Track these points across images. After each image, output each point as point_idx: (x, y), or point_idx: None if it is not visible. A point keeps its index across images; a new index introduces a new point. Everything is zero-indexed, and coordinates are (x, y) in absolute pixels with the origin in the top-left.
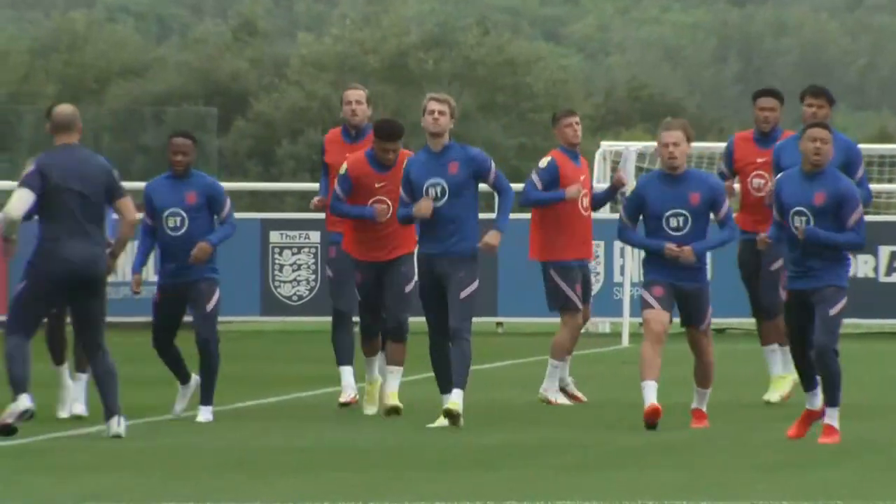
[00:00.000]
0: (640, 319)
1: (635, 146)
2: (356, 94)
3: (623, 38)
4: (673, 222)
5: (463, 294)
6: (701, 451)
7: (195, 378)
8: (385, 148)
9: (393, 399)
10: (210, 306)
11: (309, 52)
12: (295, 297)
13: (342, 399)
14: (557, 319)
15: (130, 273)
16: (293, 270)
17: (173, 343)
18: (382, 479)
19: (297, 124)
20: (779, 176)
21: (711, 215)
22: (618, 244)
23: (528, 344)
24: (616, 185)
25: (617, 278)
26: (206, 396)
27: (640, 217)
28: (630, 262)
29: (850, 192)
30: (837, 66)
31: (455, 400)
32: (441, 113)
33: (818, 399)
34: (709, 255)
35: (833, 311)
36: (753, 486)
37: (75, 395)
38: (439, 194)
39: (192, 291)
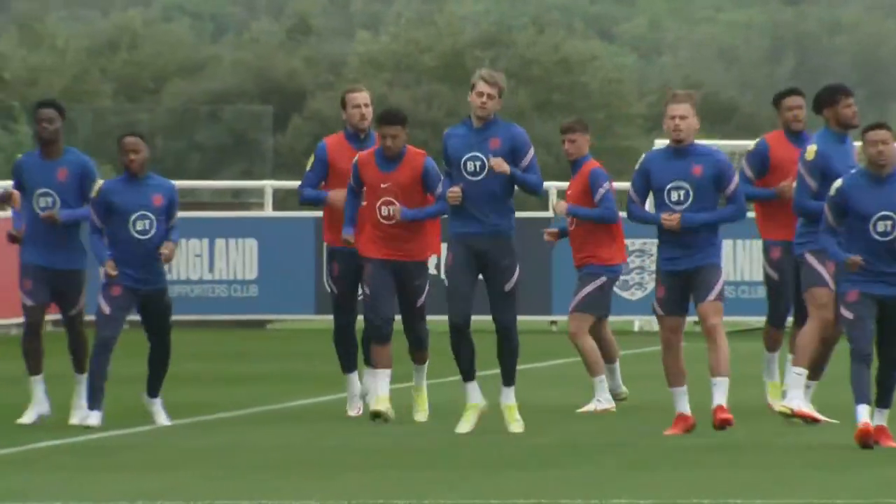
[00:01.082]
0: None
1: None
2: (363, 96)
3: (677, 37)
4: (674, 195)
5: (508, 286)
6: (752, 450)
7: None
8: (384, 133)
9: (382, 403)
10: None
11: (365, 51)
12: None
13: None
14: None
15: (167, 270)
16: None
17: (111, 350)
18: (438, 477)
19: None
20: (839, 184)
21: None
22: None
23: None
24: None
25: None
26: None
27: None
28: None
29: None
30: (892, 64)
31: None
32: (490, 97)
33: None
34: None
35: None
36: (807, 484)
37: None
38: (479, 169)
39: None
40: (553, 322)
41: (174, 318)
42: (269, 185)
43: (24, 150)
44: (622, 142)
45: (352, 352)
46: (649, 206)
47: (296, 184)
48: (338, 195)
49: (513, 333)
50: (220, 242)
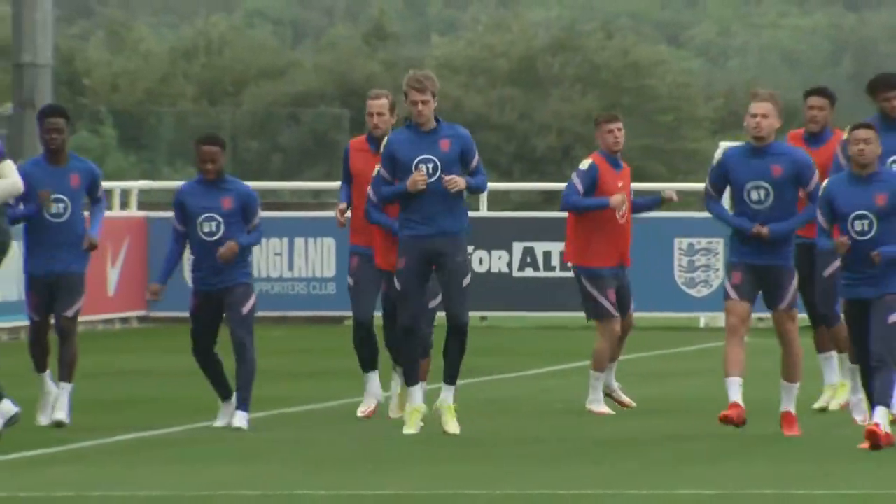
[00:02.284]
0: (761, 315)
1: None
2: (378, 104)
3: (743, 42)
4: (754, 195)
5: (465, 282)
6: (809, 442)
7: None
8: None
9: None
10: (245, 310)
11: (441, 55)
12: None
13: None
14: (665, 314)
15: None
16: None
17: (213, 352)
18: (505, 470)
19: None
20: (825, 184)
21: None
22: None
23: (651, 337)
24: (667, 200)
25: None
26: (242, 399)
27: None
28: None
29: None
30: None
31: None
32: (424, 103)
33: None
34: None
35: (892, 319)
36: (865, 476)
37: (59, 402)
38: (431, 171)
39: (227, 296)
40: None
41: (257, 314)
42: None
43: (110, 152)
44: (689, 144)
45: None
46: (725, 200)
47: None
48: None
49: (465, 328)
50: (299, 241)
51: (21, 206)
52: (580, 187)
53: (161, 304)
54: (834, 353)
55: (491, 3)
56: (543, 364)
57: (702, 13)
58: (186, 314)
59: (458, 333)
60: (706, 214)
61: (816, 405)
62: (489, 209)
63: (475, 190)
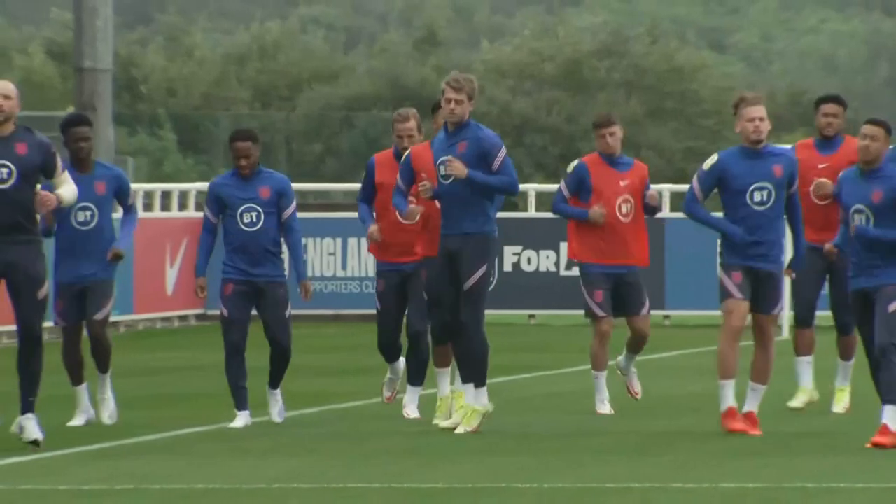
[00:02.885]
0: None
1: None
2: (406, 127)
3: (784, 46)
4: (757, 196)
5: (469, 283)
6: (840, 437)
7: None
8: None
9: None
10: (287, 313)
11: (491, 59)
12: None
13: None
14: (708, 312)
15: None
16: None
17: (244, 355)
18: (553, 463)
19: None
20: (841, 174)
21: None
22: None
23: (694, 335)
24: (650, 206)
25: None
26: (274, 382)
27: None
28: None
29: None
30: None
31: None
32: (458, 102)
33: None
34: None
35: (892, 307)
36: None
37: (104, 400)
38: (446, 172)
39: (266, 295)
40: (666, 316)
41: (311, 312)
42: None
43: (169, 154)
44: (731, 146)
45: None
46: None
47: None
48: (373, 234)
49: (472, 332)
50: (352, 241)
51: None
52: (566, 192)
53: (217, 302)
54: (811, 358)
55: (538, 9)
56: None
57: (744, 19)
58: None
59: (464, 334)
60: None
61: (792, 404)
62: (537, 210)
63: (491, 187)
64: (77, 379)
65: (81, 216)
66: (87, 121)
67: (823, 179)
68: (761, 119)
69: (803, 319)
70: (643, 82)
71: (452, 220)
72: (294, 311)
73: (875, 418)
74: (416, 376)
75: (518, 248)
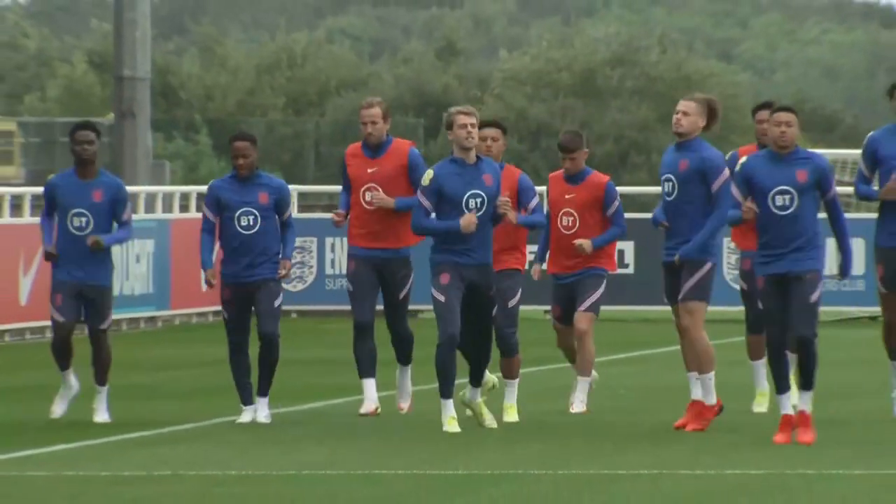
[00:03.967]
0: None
1: None
2: (369, 113)
3: (788, 56)
4: (667, 187)
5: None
6: (839, 427)
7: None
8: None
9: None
10: (277, 303)
11: (509, 68)
12: None
13: (362, 410)
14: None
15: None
16: None
17: (247, 351)
18: (569, 450)
19: None
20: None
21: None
22: None
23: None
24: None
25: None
26: (263, 387)
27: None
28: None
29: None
30: None
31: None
32: (473, 126)
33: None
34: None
35: (814, 297)
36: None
37: (98, 406)
38: (479, 206)
39: (259, 291)
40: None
41: (338, 308)
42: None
43: (204, 159)
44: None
45: (368, 358)
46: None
47: None
48: (339, 222)
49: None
50: None
51: (56, 220)
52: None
53: None
54: (765, 361)
55: (554, 21)
56: (608, 353)
57: (750, 31)
58: (346, 283)
59: (482, 342)
60: None
61: (757, 409)
62: None
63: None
64: (65, 365)
65: (77, 222)
66: (92, 126)
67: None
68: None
69: (759, 326)
70: (654, 90)
71: (469, 251)
72: (324, 307)
73: (869, 411)
74: (404, 355)
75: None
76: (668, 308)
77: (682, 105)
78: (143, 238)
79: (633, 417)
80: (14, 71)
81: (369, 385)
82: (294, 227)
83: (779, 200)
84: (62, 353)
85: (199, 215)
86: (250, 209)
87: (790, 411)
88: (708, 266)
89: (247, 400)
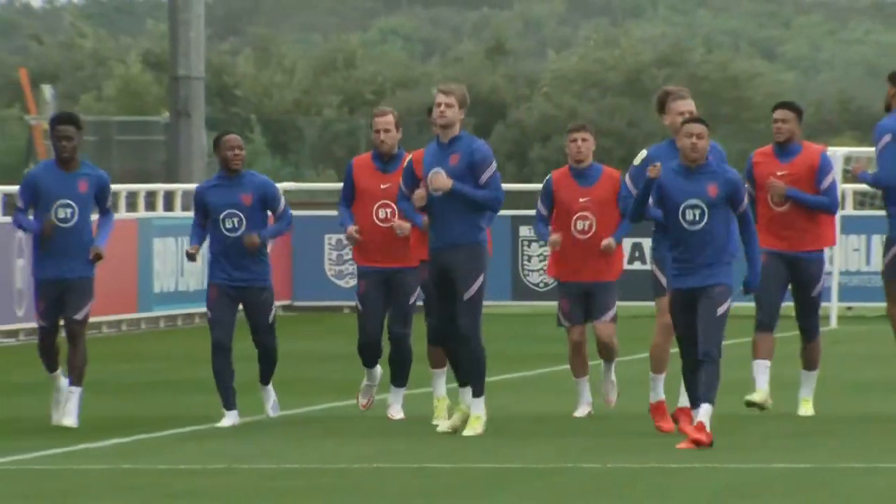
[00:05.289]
0: (848, 304)
1: (842, 150)
2: (383, 120)
3: (831, 56)
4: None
5: (467, 294)
6: (884, 422)
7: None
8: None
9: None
10: (271, 318)
11: (557, 68)
12: (542, 285)
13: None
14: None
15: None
16: (540, 261)
17: (231, 356)
18: (617, 444)
19: (547, 130)
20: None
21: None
22: None
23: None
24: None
25: (827, 267)
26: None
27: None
28: (839, 252)
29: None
30: None
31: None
32: (448, 105)
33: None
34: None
35: (720, 311)
36: None
37: (68, 406)
38: (430, 184)
39: (251, 299)
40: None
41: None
42: (538, 202)
43: (258, 158)
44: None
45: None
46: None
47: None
48: (351, 237)
49: (472, 342)
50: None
51: (31, 216)
52: (542, 208)
53: (303, 293)
54: (769, 363)
55: (602, 22)
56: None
57: (794, 30)
58: (327, 303)
59: (462, 343)
60: None
61: (751, 398)
62: None
63: (475, 201)
64: (52, 366)
65: (62, 213)
66: (71, 120)
67: (775, 181)
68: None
69: (766, 324)
70: (699, 90)
71: (442, 232)
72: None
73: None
74: (400, 378)
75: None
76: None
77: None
78: None
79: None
80: (71, 70)
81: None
82: (289, 218)
83: (689, 215)
84: (49, 353)
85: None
86: (234, 211)
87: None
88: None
89: (229, 405)
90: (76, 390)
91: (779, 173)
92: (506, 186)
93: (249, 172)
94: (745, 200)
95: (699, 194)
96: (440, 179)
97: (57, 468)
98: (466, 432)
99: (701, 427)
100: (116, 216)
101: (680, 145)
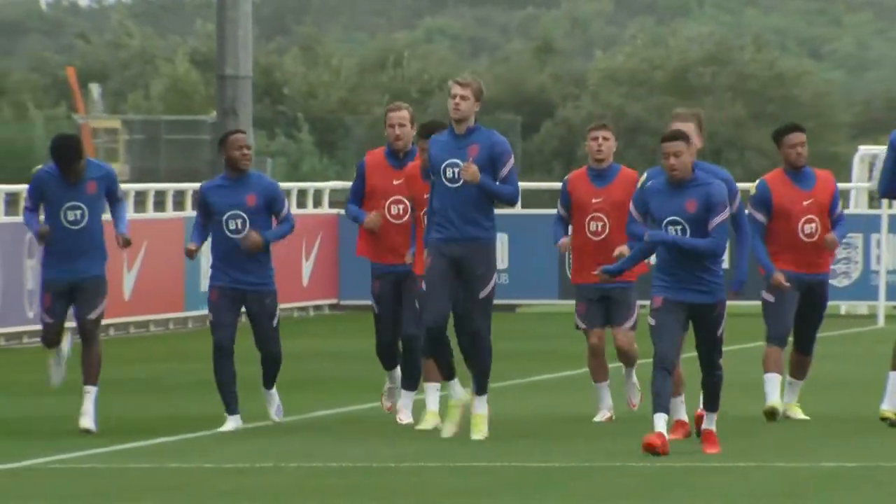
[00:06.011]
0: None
1: (883, 149)
2: (398, 115)
3: (879, 55)
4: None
5: (482, 293)
6: None
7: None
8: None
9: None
10: (276, 322)
11: (604, 67)
12: None
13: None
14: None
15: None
16: None
17: (232, 357)
18: (671, 443)
19: None
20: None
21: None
22: (874, 235)
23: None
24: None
25: (874, 266)
26: (269, 382)
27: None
28: (886, 251)
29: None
30: None
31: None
32: (463, 98)
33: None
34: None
35: (720, 331)
36: None
37: (84, 408)
38: (456, 176)
39: (255, 304)
40: None
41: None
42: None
43: (306, 156)
44: (830, 148)
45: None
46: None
47: (540, 185)
48: (372, 221)
49: (484, 341)
50: None
51: (42, 216)
52: (560, 209)
53: (349, 292)
54: (780, 377)
55: (649, 20)
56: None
57: (842, 29)
58: (371, 302)
59: (472, 342)
60: (845, 212)
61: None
62: None
63: (500, 196)
64: (54, 342)
65: (71, 216)
66: (73, 146)
67: (832, 239)
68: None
69: (782, 339)
70: (746, 88)
71: (457, 225)
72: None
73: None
74: (410, 381)
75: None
76: (744, 303)
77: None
78: None
79: (723, 411)
80: (118, 69)
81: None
82: (292, 223)
83: (671, 231)
84: (54, 342)
85: (301, 211)
86: (238, 212)
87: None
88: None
89: (231, 409)
90: (92, 390)
91: (804, 203)
92: (552, 185)
93: (257, 174)
94: (722, 214)
95: (677, 211)
96: (472, 172)
97: (102, 467)
98: (475, 436)
99: (710, 436)
100: (163, 215)
101: (662, 163)
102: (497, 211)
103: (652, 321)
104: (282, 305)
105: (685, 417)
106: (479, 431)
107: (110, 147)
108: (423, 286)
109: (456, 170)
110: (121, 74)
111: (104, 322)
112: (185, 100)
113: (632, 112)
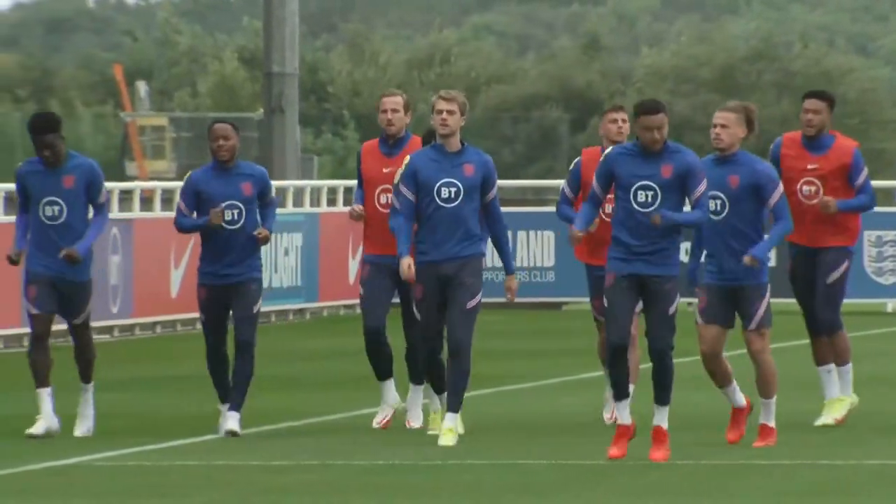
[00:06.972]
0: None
1: None
2: (392, 100)
3: None
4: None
5: (469, 304)
6: None
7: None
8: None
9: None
10: (256, 308)
11: (650, 64)
12: None
13: (377, 419)
14: (856, 301)
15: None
16: None
17: (225, 351)
18: (708, 440)
19: None
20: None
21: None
22: None
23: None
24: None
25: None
26: (237, 399)
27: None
28: None
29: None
30: None
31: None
32: (450, 112)
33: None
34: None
35: (671, 311)
36: None
37: (83, 408)
38: (453, 196)
39: (238, 291)
40: None
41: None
42: (563, 183)
43: (352, 154)
44: (876, 144)
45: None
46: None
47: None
48: (353, 212)
49: (464, 353)
50: (521, 234)
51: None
52: (568, 192)
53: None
54: (833, 366)
55: (694, 18)
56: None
57: (889, 25)
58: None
59: (453, 353)
60: (893, 209)
61: (819, 422)
62: None
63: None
64: (42, 380)
65: (49, 211)
66: (49, 128)
67: (827, 200)
68: (723, 126)
69: (815, 327)
70: (793, 85)
71: (449, 245)
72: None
73: None
74: (418, 375)
75: None
76: (792, 300)
77: (720, 117)
78: (292, 231)
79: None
80: (165, 67)
81: (388, 387)
82: (275, 206)
83: (640, 196)
84: (40, 359)
85: (346, 209)
86: (235, 202)
87: (628, 421)
88: (768, 291)
89: (225, 398)
90: (88, 387)
91: (809, 167)
92: None
93: (246, 163)
94: (704, 184)
95: (650, 176)
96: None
97: (152, 464)
98: (443, 442)
99: (661, 435)
100: None
101: (639, 135)
102: (542, 209)
103: (604, 301)
104: (329, 303)
105: (744, 402)
106: (448, 438)
107: (157, 144)
108: (416, 314)
109: (452, 189)
110: (168, 72)
111: (151, 320)
112: (232, 97)
113: (678, 109)
